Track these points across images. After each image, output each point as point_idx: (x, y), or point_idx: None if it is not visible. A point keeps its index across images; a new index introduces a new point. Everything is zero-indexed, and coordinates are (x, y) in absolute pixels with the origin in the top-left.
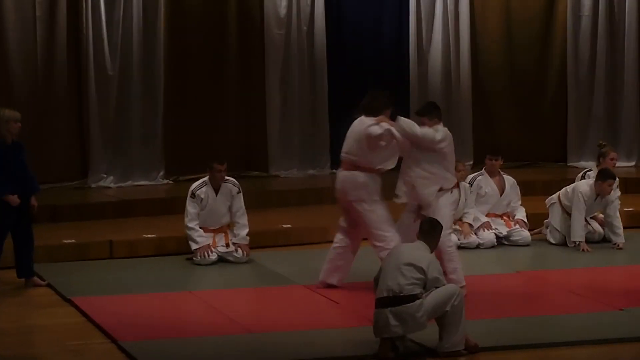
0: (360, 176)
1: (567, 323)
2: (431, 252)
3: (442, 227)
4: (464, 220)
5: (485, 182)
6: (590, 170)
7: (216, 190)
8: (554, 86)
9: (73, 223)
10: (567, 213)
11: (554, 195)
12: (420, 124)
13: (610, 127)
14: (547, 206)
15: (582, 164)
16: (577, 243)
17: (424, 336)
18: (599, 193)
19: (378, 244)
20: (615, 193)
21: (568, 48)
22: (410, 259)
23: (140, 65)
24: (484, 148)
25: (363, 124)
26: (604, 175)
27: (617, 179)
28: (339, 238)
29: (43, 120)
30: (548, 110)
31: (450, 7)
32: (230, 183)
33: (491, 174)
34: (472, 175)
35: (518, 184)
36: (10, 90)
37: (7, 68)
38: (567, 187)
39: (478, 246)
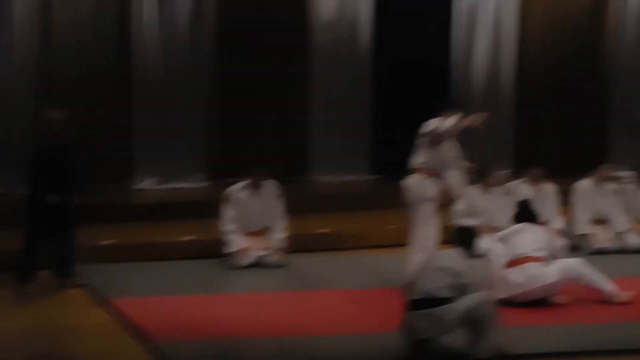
0: None
1: None
2: (466, 258)
3: (475, 234)
4: None
5: None
6: None
7: (255, 194)
8: None
9: (112, 225)
10: None
11: None
12: None
13: None
14: None
15: None
16: None
17: (453, 341)
18: None
19: None
20: None
21: None
22: (444, 263)
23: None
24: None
25: None
26: None
27: None
28: None
29: (88, 121)
30: None
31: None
32: (270, 187)
33: None
34: None
35: None
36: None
37: None
38: None
39: None
